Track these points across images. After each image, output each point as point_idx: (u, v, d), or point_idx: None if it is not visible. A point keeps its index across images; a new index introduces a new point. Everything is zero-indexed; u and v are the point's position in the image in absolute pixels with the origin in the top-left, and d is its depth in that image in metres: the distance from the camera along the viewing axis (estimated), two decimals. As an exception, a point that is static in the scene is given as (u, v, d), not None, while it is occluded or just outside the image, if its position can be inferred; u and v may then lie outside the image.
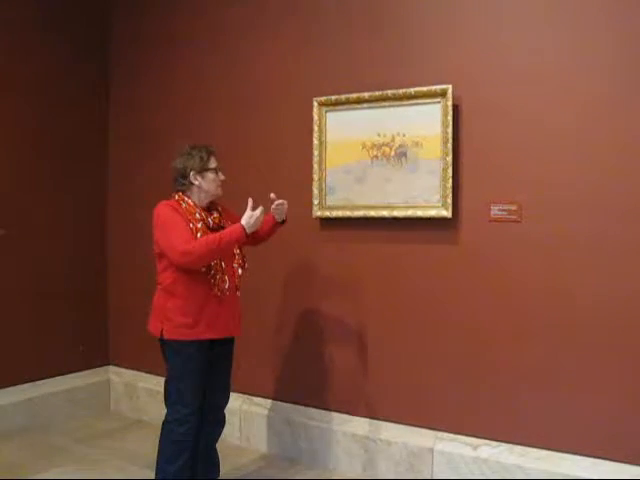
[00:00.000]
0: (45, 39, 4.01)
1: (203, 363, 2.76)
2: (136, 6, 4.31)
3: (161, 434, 2.78)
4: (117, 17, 4.39)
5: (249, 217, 2.65)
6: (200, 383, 2.76)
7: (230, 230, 2.65)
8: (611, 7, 2.75)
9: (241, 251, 2.87)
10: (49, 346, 4.07)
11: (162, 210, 2.71)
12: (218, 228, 2.78)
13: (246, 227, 2.63)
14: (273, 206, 2.89)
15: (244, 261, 2.88)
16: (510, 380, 2.99)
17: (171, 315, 2.70)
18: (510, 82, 2.98)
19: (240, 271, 2.84)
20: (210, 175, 2.78)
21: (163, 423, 2.78)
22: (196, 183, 2.76)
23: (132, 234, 4.22)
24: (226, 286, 2.74)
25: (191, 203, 2.74)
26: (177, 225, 2.64)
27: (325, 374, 3.52)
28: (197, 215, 2.71)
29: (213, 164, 2.80)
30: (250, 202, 2.69)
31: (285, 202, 2.91)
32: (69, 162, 4.20)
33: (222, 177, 2.83)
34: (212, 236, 2.62)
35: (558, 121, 2.87)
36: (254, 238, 2.94)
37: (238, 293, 2.86)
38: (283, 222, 3.00)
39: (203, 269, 2.67)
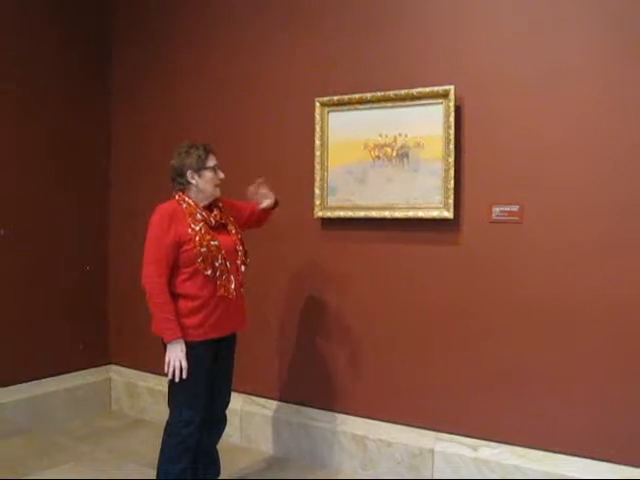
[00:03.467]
0: (46, 40, 4.02)
1: (208, 363, 2.75)
2: (137, 6, 4.32)
3: (164, 435, 2.75)
4: (118, 17, 4.39)
5: (175, 362, 2.60)
6: (205, 384, 2.74)
7: (170, 328, 2.61)
8: (613, 10, 2.75)
9: (243, 247, 2.83)
10: (50, 345, 4.07)
11: (153, 222, 2.67)
12: (219, 226, 2.76)
13: (168, 344, 2.62)
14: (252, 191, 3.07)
15: (246, 257, 2.85)
16: (511, 381, 2.99)
17: (177, 316, 2.67)
18: (513, 83, 2.98)
19: (243, 268, 2.81)
20: (208, 174, 2.73)
21: (167, 424, 2.76)
22: (193, 182, 2.72)
23: (133, 233, 4.21)
24: (232, 286, 2.71)
25: (192, 203, 2.71)
26: (156, 251, 2.63)
27: (326, 374, 3.52)
28: (198, 215, 2.68)
29: (211, 162, 2.75)
30: None
31: (258, 187, 3.07)
32: (71, 162, 4.20)
33: (221, 175, 2.78)
34: (167, 306, 2.61)
35: (560, 123, 2.87)
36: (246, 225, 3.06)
37: (242, 289, 2.83)
38: (274, 207, 3.12)
39: (209, 271, 2.64)
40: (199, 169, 2.72)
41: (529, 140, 2.94)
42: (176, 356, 2.60)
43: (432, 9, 3.19)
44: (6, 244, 3.82)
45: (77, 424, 4.04)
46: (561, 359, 2.88)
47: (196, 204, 2.73)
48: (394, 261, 3.30)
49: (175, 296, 2.67)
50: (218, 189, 2.80)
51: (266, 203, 3.07)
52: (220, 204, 2.86)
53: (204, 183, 2.74)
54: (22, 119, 3.91)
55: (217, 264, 2.66)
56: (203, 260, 2.63)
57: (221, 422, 2.97)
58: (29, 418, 3.88)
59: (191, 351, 2.66)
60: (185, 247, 2.63)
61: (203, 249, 2.62)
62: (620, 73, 2.75)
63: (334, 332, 3.49)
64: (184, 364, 2.61)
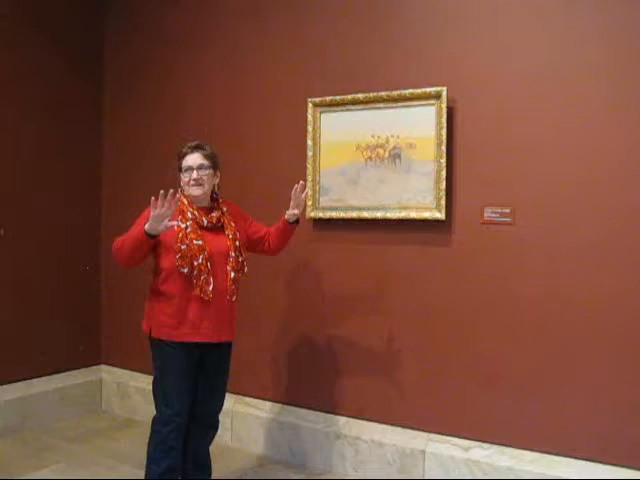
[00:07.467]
0: (38, 42, 3.99)
1: (189, 365, 2.72)
2: (129, 7, 4.30)
3: (150, 434, 2.77)
4: (110, 20, 4.36)
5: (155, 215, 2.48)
6: (185, 384, 2.72)
7: (134, 231, 2.58)
8: (607, 6, 2.76)
9: (240, 253, 2.76)
10: (41, 345, 4.05)
11: (145, 211, 2.69)
12: (214, 227, 2.73)
13: (147, 230, 2.50)
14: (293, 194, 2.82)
15: (242, 265, 2.77)
16: (502, 382, 3.00)
17: (156, 314, 2.69)
18: (505, 85, 2.98)
19: (233, 274, 2.72)
20: (182, 175, 2.76)
21: (151, 423, 2.78)
22: (181, 183, 2.78)
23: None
24: (210, 288, 2.64)
25: (185, 202, 2.72)
26: (134, 226, 2.67)
27: (318, 375, 3.52)
28: (189, 214, 2.68)
29: (185, 163, 2.73)
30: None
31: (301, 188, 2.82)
32: (64, 162, 4.17)
33: (195, 175, 2.70)
34: (125, 235, 2.62)
35: (552, 124, 2.88)
36: (261, 250, 2.97)
37: (233, 298, 2.75)
38: (296, 222, 2.89)
39: (185, 269, 2.61)
40: (179, 170, 2.78)
41: (521, 141, 2.94)
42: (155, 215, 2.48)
43: (425, 10, 3.18)
44: (1, 244, 3.81)
45: (68, 424, 4.02)
46: (554, 360, 2.89)
47: (190, 203, 2.73)
48: (386, 262, 3.30)
49: (154, 292, 2.72)
50: (195, 189, 2.72)
51: (292, 212, 2.84)
52: (224, 208, 2.82)
53: (182, 183, 2.77)
54: (18, 121, 3.89)
55: (196, 263, 2.62)
56: (182, 257, 2.61)
57: (213, 427, 2.95)
58: (20, 418, 3.85)
59: (166, 349, 2.67)
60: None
61: (183, 246, 2.61)
62: (615, 74, 2.75)
63: (326, 333, 3.49)
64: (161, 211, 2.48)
